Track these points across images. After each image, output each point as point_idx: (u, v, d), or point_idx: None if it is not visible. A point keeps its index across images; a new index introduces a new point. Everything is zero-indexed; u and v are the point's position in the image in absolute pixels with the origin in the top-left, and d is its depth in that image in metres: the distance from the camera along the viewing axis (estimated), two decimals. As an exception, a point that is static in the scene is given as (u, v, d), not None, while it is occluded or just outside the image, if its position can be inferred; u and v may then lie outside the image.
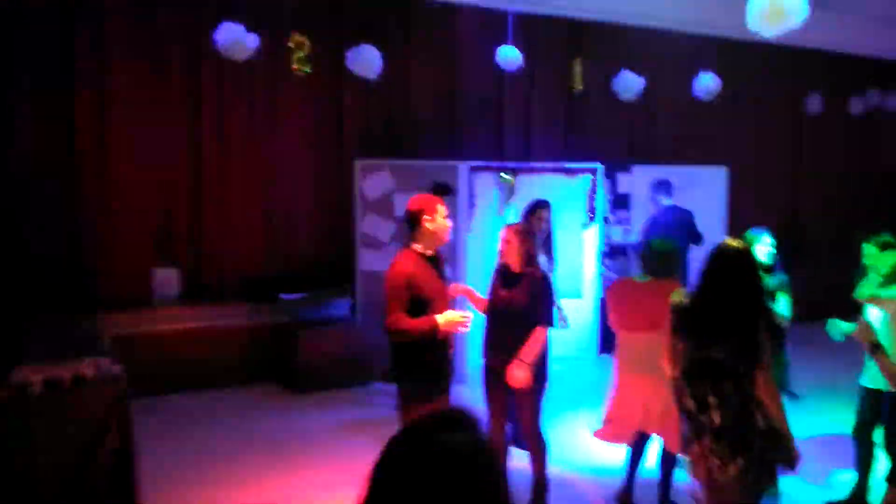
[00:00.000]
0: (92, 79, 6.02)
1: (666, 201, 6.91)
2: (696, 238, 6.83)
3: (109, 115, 6.10)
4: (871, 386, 4.02)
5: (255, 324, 6.47)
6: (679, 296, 3.31)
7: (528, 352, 3.91)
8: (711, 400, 3.08)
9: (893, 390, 3.73)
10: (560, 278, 5.38)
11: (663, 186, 6.96)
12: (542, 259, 4.94)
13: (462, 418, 1.19)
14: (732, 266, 3.13)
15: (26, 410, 3.75)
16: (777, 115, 9.49)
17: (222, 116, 6.59)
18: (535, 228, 4.96)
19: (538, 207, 5.03)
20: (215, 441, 5.18)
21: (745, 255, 3.19)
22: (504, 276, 4.10)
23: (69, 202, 6.06)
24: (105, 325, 5.63)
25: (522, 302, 3.97)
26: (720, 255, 3.17)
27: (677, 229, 6.77)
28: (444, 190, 5.99)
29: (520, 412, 4.15)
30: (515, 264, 4.04)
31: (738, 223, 7.93)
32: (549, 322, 4.03)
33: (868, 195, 10.26)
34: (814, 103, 9.40)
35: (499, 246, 4.12)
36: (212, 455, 4.93)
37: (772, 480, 3.16)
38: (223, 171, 6.63)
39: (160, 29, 6.26)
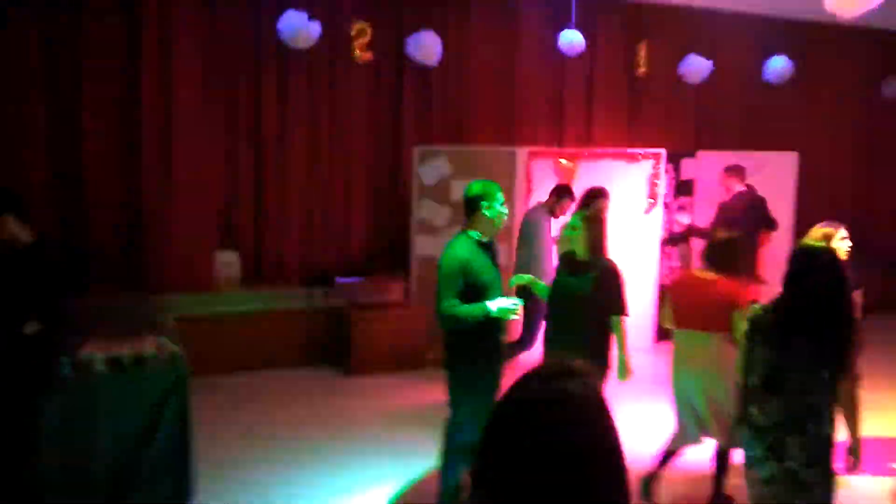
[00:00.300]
0: (157, 67, 6.13)
1: (738, 187, 6.68)
2: (770, 223, 6.59)
3: (174, 102, 6.21)
4: None
5: (311, 307, 6.56)
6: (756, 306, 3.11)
7: (625, 346, 3.93)
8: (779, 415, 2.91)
9: None
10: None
11: (735, 171, 6.72)
12: None
13: (575, 369, 1.23)
14: (822, 270, 2.89)
15: (89, 387, 3.86)
16: (851, 100, 9.03)
17: (285, 102, 6.67)
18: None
19: (594, 196, 4.87)
20: (269, 422, 5.27)
21: (834, 258, 2.96)
22: (569, 264, 4.02)
23: (135, 187, 6.22)
24: (168, 305, 5.79)
25: (587, 291, 3.89)
26: (807, 259, 2.94)
27: (749, 216, 6.55)
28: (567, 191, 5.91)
29: None
30: (582, 252, 3.97)
31: (804, 212, 7.62)
32: (621, 311, 3.95)
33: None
34: (891, 87, 8.91)
35: (565, 233, 4.06)
36: (265, 436, 5.02)
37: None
38: (284, 157, 6.72)
39: (223, 16, 6.35)
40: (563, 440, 1.15)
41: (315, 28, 6.17)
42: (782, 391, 2.89)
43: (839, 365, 2.85)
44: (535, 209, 5.90)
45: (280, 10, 6.15)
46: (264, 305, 6.42)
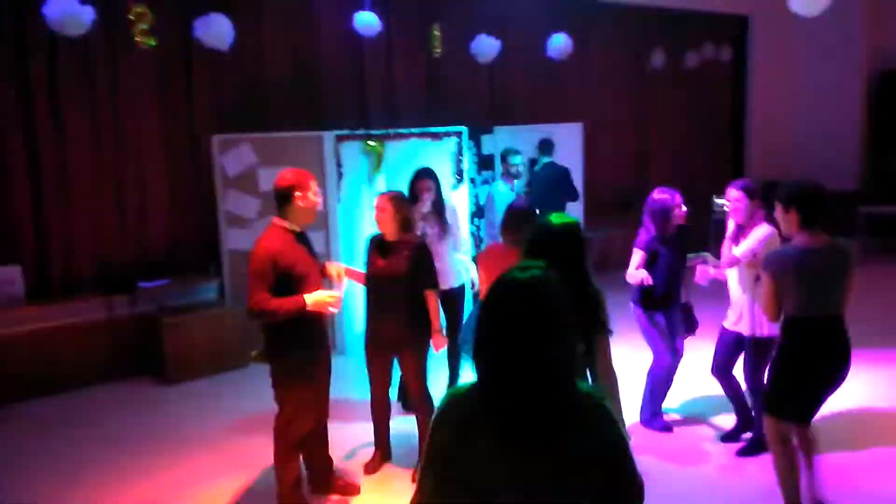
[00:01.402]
0: None
1: (545, 159, 7.15)
2: (573, 194, 7.15)
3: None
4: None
5: (113, 317, 6.08)
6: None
7: (436, 318, 4.09)
8: None
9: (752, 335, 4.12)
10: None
11: (546, 145, 7.20)
12: (433, 228, 4.96)
13: (536, 266, 1.67)
14: (555, 238, 2.89)
15: None
16: (626, 72, 9.97)
17: (57, 96, 6.02)
18: (419, 203, 4.91)
19: (419, 179, 4.97)
20: (79, 445, 4.84)
21: (567, 228, 2.93)
22: (381, 245, 4.10)
23: None
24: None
25: (401, 269, 3.99)
26: (543, 231, 2.94)
27: (556, 186, 7.06)
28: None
29: (407, 376, 4.20)
30: (391, 233, 4.05)
31: (597, 176, 8.37)
32: (434, 285, 4.13)
33: (707, 141, 11.12)
34: (657, 59, 9.97)
35: (374, 215, 4.08)
36: (76, 461, 4.61)
37: None
38: (63, 156, 6.09)
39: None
40: (547, 306, 1.57)
41: (88, 12, 5.60)
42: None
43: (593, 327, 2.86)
44: None
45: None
46: (58, 321, 5.84)
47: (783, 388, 3.50)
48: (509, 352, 1.55)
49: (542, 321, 1.56)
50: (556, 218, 2.95)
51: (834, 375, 3.44)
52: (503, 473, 1.55)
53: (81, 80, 6.13)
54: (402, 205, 4.08)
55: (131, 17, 6.15)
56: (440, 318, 4.17)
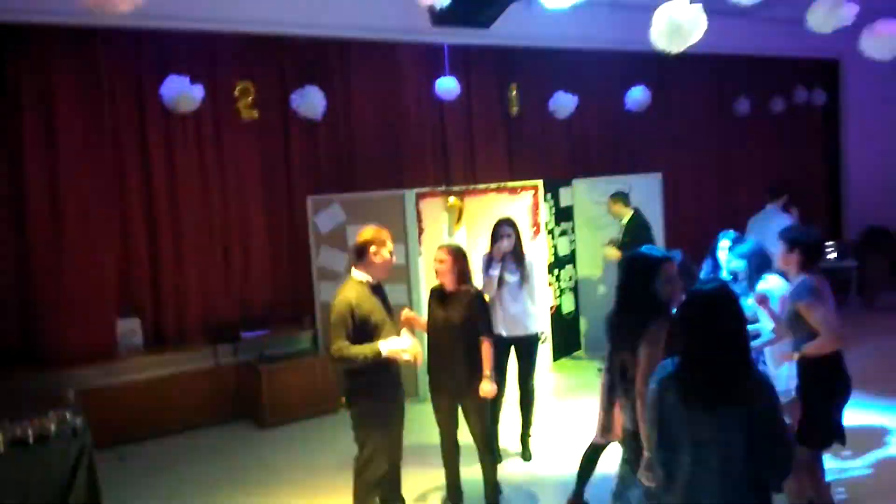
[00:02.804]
0: (40, 134, 6.12)
1: (626, 210, 7.14)
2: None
3: (60, 174, 6.19)
4: None
5: (219, 365, 6.60)
6: None
7: (487, 365, 4.21)
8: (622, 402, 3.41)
9: None
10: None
11: (619, 196, 7.17)
12: (515, 273, 5.13)
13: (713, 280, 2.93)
14: (630, 274, 3.37)
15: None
16: (707, 120, 9.94)
17: (173, 165, 6.74)
18: (501, 246, 5.10)
19: (499, 225, 5.22)
20: (187, 485, 5.26)
21: (638, 261, 3.37)
22: (440, 296, 4.33)
23: (25, 259, 6.13)
24: (70, 379, 5.73)
25: (459, 319, 4.21)
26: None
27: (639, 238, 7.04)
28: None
29: (469, 423, 4.34)
30: (450, 283, 4.27)
31: (677, 228, 8.33)
32: (489, 332, 4.31)
33: (801, 189, 10.77)
34: (742, 105, 9.91)
35: (434, 266, 4.32)
36: (181, 499, 5.02)
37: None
38: (177, 219, 6.78)
39: (106, 85, 6.40)
40: (733, 305, 2.41)
41: (198, 91, 6.31)
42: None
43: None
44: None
45: (162, 75, 6.28)
46: (170, 369, 6.41)
47: (821, 418, 3.73)
48: (713, 339, 2.37)
49: (732, 314, 2.41)
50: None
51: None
52: (693, 425, 2.39)
53: (193, 150, 6.83)
54: (460, 257, 4.29)
55: (236, 93, 6.90)
56: (491, 365, 4.25)
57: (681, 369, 2.46)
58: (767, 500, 2.45)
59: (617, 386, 3.41)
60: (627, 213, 7.10)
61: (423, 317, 4.52)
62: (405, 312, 4.31)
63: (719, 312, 2.40)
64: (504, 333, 5.06)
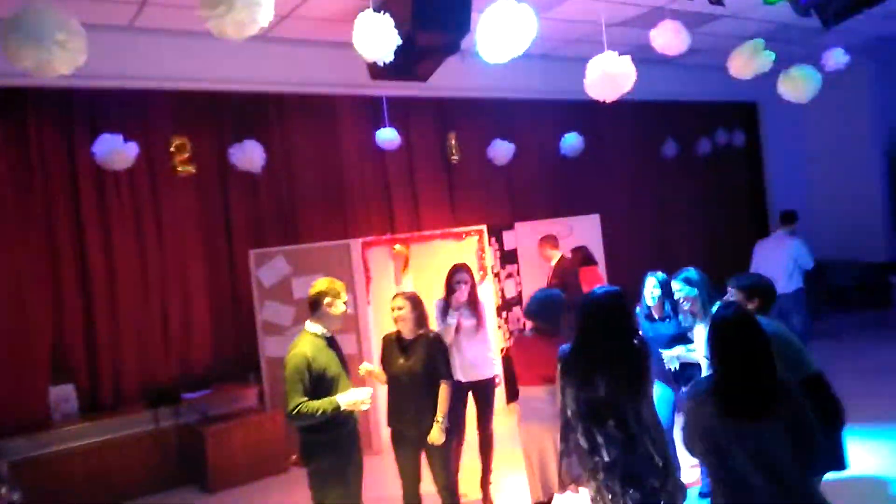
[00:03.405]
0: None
1: (555, 254, 7.37)
2: (590, 259, 7.45)
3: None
4: None
5: (159, 429, 6.33)
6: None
7: (442, 410, 4.19)
8: (599, 438, 3.31)
9: None
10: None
11: (548, 239, 7.46)
12: (472, 321, 5.15)
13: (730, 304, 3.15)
14: (601, 309, 3.41)
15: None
16: (638, 163, 10.33)
17: (107, 223, 6.54)
18: (457, 292, 5.10)
19: (455, 272, 5.22)
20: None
21: (611, 297, 3.45)
22: (399, 344, 4.31)
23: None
24: (1, 450, 5.41)
25: (420, 366, 4.21)
26: (588, 302, 3.47)
27: (571, 279, 7.25)
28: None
29: (433, 470, 4.30)
30: (409, 331, 4.28)
31: (617, 266, 8.56)
32: (448, 376, 4.31)
33: (729, 226, 11.27)
34: (669, 148, 10.35)
35: (392, 315, 4.31)
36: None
37: None
38: (112, 279, 6.54)
39: (35, 145, 6.22)
40: (760, 333, 2.74)
41: (132, 148, 6.20)
42: (589, 421, 3.34)
43: (634, 390, 3.30)
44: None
45: (94, 134, 6.15)
46: (108, 435, 6.12)
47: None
48: (750, 356, 2.70)
49: (756, 334, 2.74)
50: (598, 289, 3.45)
51: None
52: (737, 433, 2.67)
53: (128, 207, 6.65)
54: (418, 303, 4.32)
55: (172, 149, 6.79)
56: (445, 410, 4.23)
57: (719, 384, 2.76)
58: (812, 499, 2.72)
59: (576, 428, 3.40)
60: (556, 255, 7.31)
61: (376, 365, 4.48)
62: (364, 367, 4.27)
63: (752, 331, 2.75)
64: (462, 379, 5.05)
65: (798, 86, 5.81)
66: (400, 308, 4.27)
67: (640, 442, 3.26)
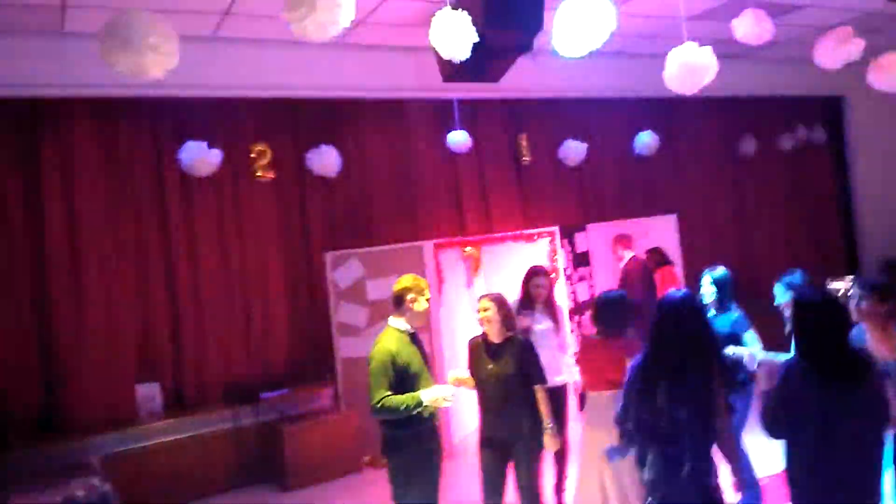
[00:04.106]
0: (59, 200, 6.20)
1: (627, 254, 7.23)
2: (666, 259, 7.22)
3: (79, 238, 6.25)
4: None
5: (239, 427, 6.51)
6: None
7: (547, 415, 4.08)
8: (650, 454, 3.14)
9: None
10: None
11: (622, 240, 7.32)
12: (547, 324, 5.06)
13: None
14: (671, 315, 3.20)
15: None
16: (715, 161, 10.02)
17: (192, 228, 6.79)
18: (533, 295, 5.06)
19: (533, 275, 5.15)
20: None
21: (683, 303, 3.24)
22: (487, 348, 4.19)
23: (46, 329, 6.13)
24: (92, 446, 5.67)
25: (513, 370, 4.09)
26: (660, 306, 3.28)
27: (640, 280, 7.10)
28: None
29: (520, 479, 4.18)
30: (497, 333, 4.17)
31: (694, 268, 8.31)
32: (543, 380, 4.17)
33: (813, 224, 10.79)
34: (748, 145, 10.00)
35: (478, 318, 4.22)
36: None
37: None
38: (197, 282, 6.78)
39: (125, 153, 6.51)
40: (838, 304, 3.10)
41: (216, 154, 6.45)
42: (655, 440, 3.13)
43: (709, 411, 3.08)
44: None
45: (181, 142, 6.40)
46: (190, 432, 6.33)
47: None
48: (835, 333, 2.96)
49: (841, 310, 3.06)
50: (673, 293, 3.30)
51: None
52: (834, 401, 2.90)
53: (212, 212, 6.90)
54: (503, 304, 4.20)
55: (253, 155, 7.00)
56: (549, 414, 4.12)
57: (809, 359, 2.98)
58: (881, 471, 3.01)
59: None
60: (627, 256, 7.18)
61: (464, 370, 4.39)
62: (452, 374, 4.24)
63: (835, 310, 3.03)
64: None
65: (890, 74, 5.49)
66: (486, 310, 4.15)
67: (688, 464, 3.05)
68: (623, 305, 4.13)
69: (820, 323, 2.97)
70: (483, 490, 4.22)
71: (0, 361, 5.91)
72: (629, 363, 3.47)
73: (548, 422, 4.09)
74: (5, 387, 5.90)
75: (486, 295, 4.29)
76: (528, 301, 5.06)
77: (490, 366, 4.14)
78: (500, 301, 4.20)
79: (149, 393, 6.50)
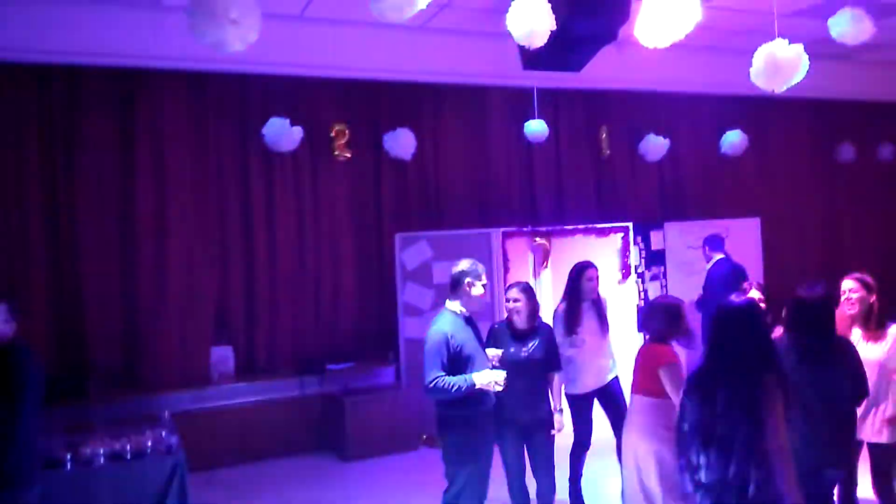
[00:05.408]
0: (150, 172, 6.55)
1: (717, 255, 6.99)
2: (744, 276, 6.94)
3: (167, 205, 6.59)
4: None
5: (305, 395, 6.73)
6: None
7: (558, 398, 4.41)
8: (702, 460, 3.03)
9: None
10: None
11: (714, 241, 7.08)
12: (593, 322, 5.06)
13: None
14: (727, 323, 3.13)
15: (91, 480, 4.06)
16: (808, 166, 9.56)
17: (271, 202, 7.05)
18: (585, 290, 5.05)
19: (584, 269, 5.11)
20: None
21: (741, 311, 3.16)
22: (513, 333, 4.35)
23: (131, 287, 6.50)
24: (166, 402, 5.99)
25: (540, 354, 4.29)
26: (717, 312, 3.20)
27: (730, 283, 6.82)
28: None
29: (537, 461, 4.33)
30: (524, 321, 4.32)
31: (776, 275, 7.97)
32: (560, 368, 4.48)
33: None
34: (846, 152, 9.49)
35: (508, 305, 4.36)
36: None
37: None
38: (272, 252, 7.05)
39: (212, 126, 6.82)
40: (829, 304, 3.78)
41: (297, 132, 6.65)
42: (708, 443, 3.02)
43: (757, 414, 2.95)
44: None
45: (265, 118, 6.63)
46: (259, 397, 6.60)
47: None
48: (824, 326, 3.63)
49: (827, 304, 3.67)
50: (732, 301, 3.24)
51: None
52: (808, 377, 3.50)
53: (290, 188, 7.14)
54: (532, 295, 4.39)
55: (332, 134, 7.19)
56: (560, 399, 4.46)
57: (796, 343, 3.60)
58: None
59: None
60: (713, 258, 6.94)
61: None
62: (491, 351, 4.30)
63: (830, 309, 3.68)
64: (591, 385, 4.99)
65: None
66: (517, 300, 4.32)
67: (740, 475, 2.93)
68: (669, 313, 3.99)
69: (818, 318, 3.58)
70: (507, 473, 4.34)
71: (88, 319, 6.33)
72: (664, 372, 3.66)
73: (556, 405, 4.38)
74: (91, 342, 6.32)
75: (516, 285, 4.45)
76: (576, 297, 5.03)
77: (512, 349, 4.27)
78: (528, 292, 4.38)
79: (223, 356, 6.81)
